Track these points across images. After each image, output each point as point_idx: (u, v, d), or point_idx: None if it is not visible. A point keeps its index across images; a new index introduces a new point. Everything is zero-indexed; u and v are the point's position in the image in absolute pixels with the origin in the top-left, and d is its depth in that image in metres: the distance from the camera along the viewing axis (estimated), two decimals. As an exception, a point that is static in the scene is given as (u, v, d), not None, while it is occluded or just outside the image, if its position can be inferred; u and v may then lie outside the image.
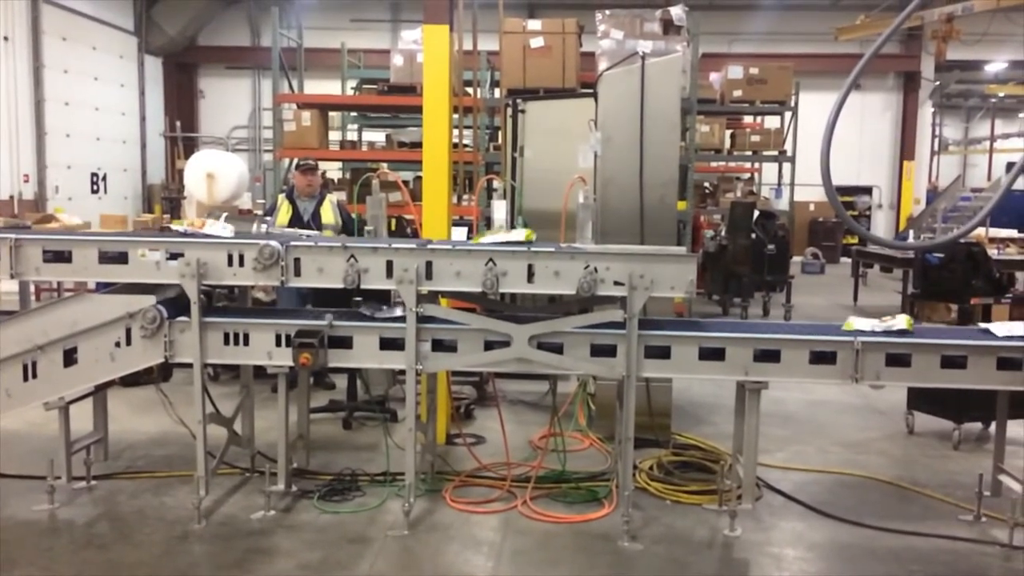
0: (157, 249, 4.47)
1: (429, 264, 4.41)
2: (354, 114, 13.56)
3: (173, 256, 4.44)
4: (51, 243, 4.58)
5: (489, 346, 4.50)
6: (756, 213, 12.16)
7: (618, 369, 4.44)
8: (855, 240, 17.40)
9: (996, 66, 22.17)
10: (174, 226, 5.08)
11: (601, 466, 5.52)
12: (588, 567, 4.23)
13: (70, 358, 4.51)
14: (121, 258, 4.48)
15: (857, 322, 4.58)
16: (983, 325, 4.74)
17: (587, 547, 4.42)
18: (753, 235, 11.75)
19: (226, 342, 4.51)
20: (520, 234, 4.58)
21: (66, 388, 4.62)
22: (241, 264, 4.44)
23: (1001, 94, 25.40)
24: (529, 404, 7.04)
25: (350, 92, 13.50)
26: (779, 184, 15.16)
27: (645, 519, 4.72)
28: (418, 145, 9.32)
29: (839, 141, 4.17)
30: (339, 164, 13.45)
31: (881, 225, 22.30)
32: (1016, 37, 18.41)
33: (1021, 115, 28.97)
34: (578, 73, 9.51)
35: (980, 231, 12.94)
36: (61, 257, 4.51)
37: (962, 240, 9.75)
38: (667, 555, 4.34)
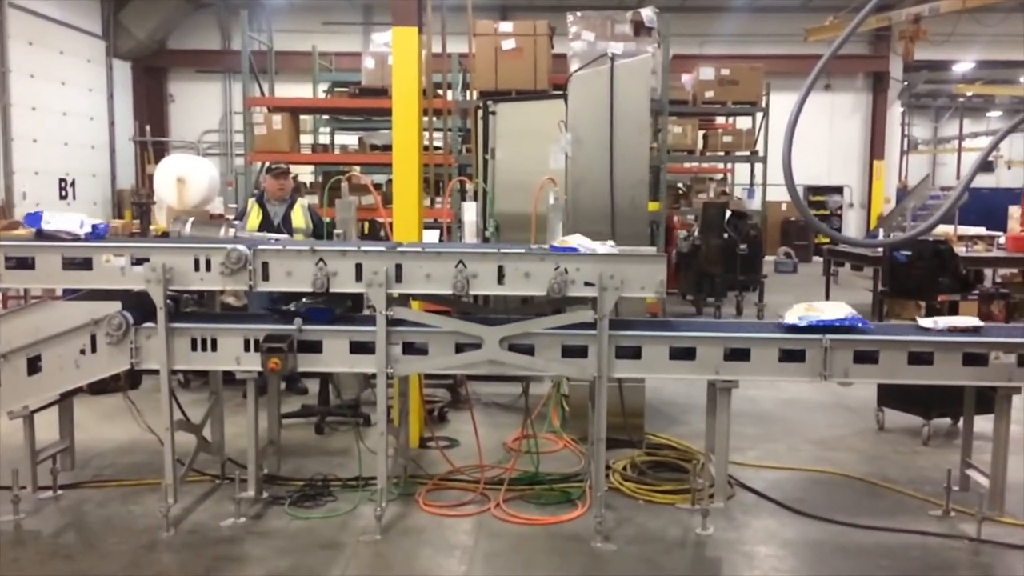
0: (122, 254, 4.41)
1: (399, 267, 4.38)
2: (326, 117, 13.48)
3: (138, 261, 4.39)
4: (12, 249, 4.50)
5: (460, 348, 4.48)
6: (728, 213, 12.24)
7: (589, 370, 4.43)
8: (826, 239, 17.59)
9: (963, 66, 22.48)
10: None
11: (575, 467, 5.52)
12: (561, 568, 4.23)
13: (34, 366, 4.43)
14: (85, 264, 4.42)
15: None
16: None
17: (560, 548, 4.42)
18: (726, 235, 11.82)
19: (194, 348, 4.46)
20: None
21: (30, 396, 4.54)
22: (208, 268, 4.40)
23: (969, 94, 25.78)
24: (503, 406, 7.03)
25: (322, 95, 13.42)
26: (751, 184, 15.28)
27: (618, 519, 4.72)
28: (391, 148, 9.27)
29: (810, 141, 4.22)
30: (311, 168, 13.37)
31: (852, 224, 22.56)
32: (982, 37, 18.74)
33: (988, 114, 29.39)
34: (550, 75, 9.53)
35: (948, 229, 13.09)
36: (24, 264, 4.42)
37: (930, 238, 9.88)
38: (640, 555, 4.34)
